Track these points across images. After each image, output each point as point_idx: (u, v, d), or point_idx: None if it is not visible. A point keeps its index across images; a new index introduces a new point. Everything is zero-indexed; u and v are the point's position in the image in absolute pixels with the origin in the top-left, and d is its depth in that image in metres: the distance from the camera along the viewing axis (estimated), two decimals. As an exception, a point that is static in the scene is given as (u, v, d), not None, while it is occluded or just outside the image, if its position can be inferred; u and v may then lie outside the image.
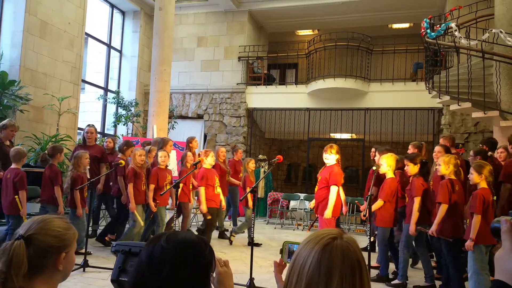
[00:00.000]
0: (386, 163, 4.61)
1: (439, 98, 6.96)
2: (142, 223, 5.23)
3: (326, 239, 0.95)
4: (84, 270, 4.43)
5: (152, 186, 5.40)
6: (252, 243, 4.36)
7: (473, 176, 3.66)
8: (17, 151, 4.83)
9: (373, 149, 5.71)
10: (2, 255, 1.22)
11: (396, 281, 4.37)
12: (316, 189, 4.83)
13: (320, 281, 0.91)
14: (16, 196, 4.68)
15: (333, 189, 4.53)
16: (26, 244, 1.24)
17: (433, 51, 7.39)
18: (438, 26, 6.45)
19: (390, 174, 4.63)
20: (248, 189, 5.44)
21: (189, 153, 6.05)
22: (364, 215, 3.85)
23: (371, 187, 4.25)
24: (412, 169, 4.37)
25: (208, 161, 5.70)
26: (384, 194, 4.54)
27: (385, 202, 4.53)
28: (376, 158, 5.23)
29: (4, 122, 5.42)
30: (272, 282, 3.98)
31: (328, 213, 4.50)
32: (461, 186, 4.06)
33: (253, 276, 4.08)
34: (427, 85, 7.32)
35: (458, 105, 6.41)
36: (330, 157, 4.67)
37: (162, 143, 5.92)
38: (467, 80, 6.20)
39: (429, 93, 7.37)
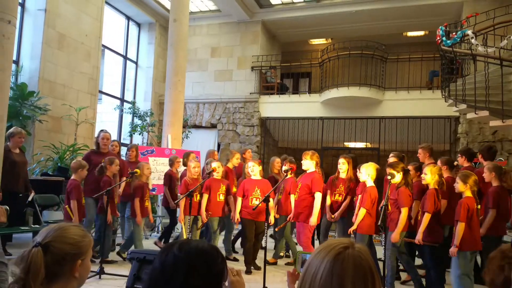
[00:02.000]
0: (365, 172, 4.64)
1: (456, 107, 6.86)
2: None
3: (338, 249, 0.95)
4: (100, 277, 4.47)
5: (205, 196, 5.44)
6: (265, 251, 4.34)
7: (459, 185, 3.82)
8: (74, 163, 5.11)
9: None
10: (21, 262, 1.24)
11: None
12: (296, 196, 4.92)
13: None
14: (66, 206, 4.95)
15: (318, 196, 4.68)
16: (43, 251, 1.26)
17: (449, 59, 7.31)
18: (454, 33, 6.40)
19: (370, 183, 4.64)
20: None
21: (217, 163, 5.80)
22: (379, 225, 3.80)
23: (385, 197, 4.18)
24: (397, 177, 4.37)
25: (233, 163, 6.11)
26: (365, 203, 4.54)
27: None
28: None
29: (11, 130, 5.45)
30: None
31: (313, 220, 4.63)
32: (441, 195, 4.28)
33: (266, 286, 4.05)
34: (443, 93, 7.24)
35: (475, 113, 6.31)
36: (306, 163, 4.84)
37: (211, 154, 6.46)
38: (485, 88, 6.10)
39: (446, 102, 7.28)
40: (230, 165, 6.23)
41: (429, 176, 4.16)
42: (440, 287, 4.16)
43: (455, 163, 5.15)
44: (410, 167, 4.76)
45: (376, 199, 4.63)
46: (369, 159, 12.32)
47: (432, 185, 4.15)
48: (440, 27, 6.57)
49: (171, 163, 6.53)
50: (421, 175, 4.36)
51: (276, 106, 11.06)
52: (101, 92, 10.40)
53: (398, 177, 4.33)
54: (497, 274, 0.97)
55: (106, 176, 5.21)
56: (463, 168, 4.83)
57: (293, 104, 10.90)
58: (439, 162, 4.75)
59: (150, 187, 5.64)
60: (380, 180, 4.98)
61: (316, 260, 0.95)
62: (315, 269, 0.94)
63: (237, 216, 5.29)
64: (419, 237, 4.04)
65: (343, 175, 5.32)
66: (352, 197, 5.21)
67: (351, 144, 11.76)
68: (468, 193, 3.77)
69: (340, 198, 5.25)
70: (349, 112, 10.43)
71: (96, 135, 8.71)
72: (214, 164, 5.54)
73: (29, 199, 5.62)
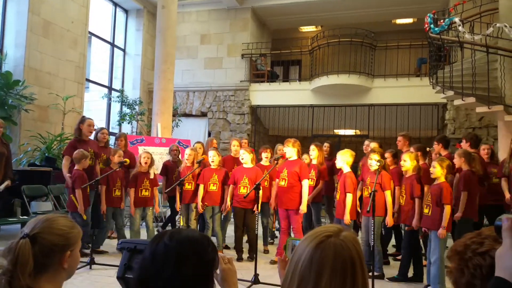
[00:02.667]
0: (341, 159, 4.81)
1: (443, 93, 6.92)
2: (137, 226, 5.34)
3: (320, 237, 0.95)
4: (90, 268, 4.47)
5: (201, 187, 5.43)
6: (256, 240, 4.38)
7: (436, 170, 3.98)
8: (77, 153, 5.05)
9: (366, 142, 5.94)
10: (8, 253, 1.23)
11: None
12: (280, 183, 4.98)
13: (310, 279, 0.90)
14: (71, 195, 4.98)
15: (306, 183, 4.83)
16: (31, 242, 1.25)
17: (437, 46, 7.35)
18: (441, 21, 6.42)
19: (346, 169, 4.83)
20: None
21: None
22: (368, 211, 3.85)
23: (374, 183, 4.23)
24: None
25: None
26: (350, 188, 4.68)
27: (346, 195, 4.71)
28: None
29: None
30: (276, 278, 4.00)
31: (304, 207, 4.73)
32: None
33: (257, 272, 4.10)
34: (431, 80, 7.29)
35: (462, 100, 6.38)
36: (288, 150, 4.96)
37: (210, 143, 6.41)
38: (471, 75, 6.16)
39: (433, 89, 7.33)
40: (233, 154, 6.20)
41: (409, 163, 4.39)
42: (416, 271, 4.43)
43: (428, 149, 5.31)
44: (387, 155, 4.90)
45: (356, 184, 4.81)
46: (358, 146, 12.42)
47: (411, 171, 4.39)
48: (428, 15, 6.58)
49: (168, 152, 6.53)
50: (400, 162, 4.57)
51: (267, 94, 11.04)
52: (88, 80, 10.26)
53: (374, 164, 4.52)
54: (459, 277, 0.97)
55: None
56: (446, 155, 4.92)
57: (283, 92, 10.89)
58: (412, 149, 4.87)
59: (152, 176, 5.57)
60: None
61: (300, 247, 0.96)
62: (298, 257, 0.95)
63: (228, 204, 5.34)
64: (415, 223, 4.26)
65: (314, 161, 5.60)
66: (325, 181, 5.60)
67: (341, 132, 11.82)
68: (443, 178, 3.96)
69: (311, 183, 5.41)
70: (338, 99, 10.46)
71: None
72: (210, 153, 5.54)
73: (0, 187, 5.31)
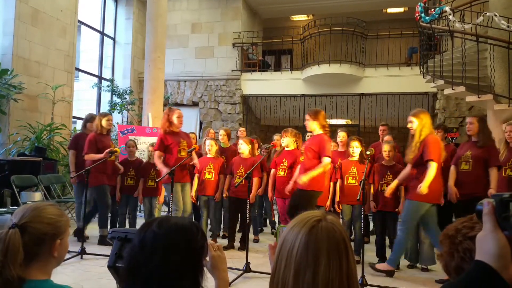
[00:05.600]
0: (287, 141, 5.04)
1: (434, 83, 6.96)
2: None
3: (311, 222, 0.96)
4: (81, 258, 4.48)
5: (196, 176, 5.50)
6: (248, 230, 4.41)
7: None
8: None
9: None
10: None
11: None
12: (279, 173, 5.04)
13: (308, 265, 0.92)
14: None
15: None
16: (21, 232, 1.25)
17: (427, 36, 7.37)
18: (432, 10, 6.43)
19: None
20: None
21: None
22: (358, 199, 3.89)
23: (365, 172, 4.27)
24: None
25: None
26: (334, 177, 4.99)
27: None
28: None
29: None
30: (267, 266, 4.05)
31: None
32: None
33: (249, 261, 4.14)
34: (422, 69, 7.32)
35: (452, 89, 6.43)
36: (286, 140, 5.06)
37: (208, 133, 6.41)
38: (461, 64, 6.20)
39: (424, 78, 7.37)
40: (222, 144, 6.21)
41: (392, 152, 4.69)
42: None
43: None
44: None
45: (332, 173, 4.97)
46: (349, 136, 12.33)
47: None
48: (419, 4, 6.59)
49: None
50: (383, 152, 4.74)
51: (258, 84, 11.01)
52: (78, 69, 10.13)
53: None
54: (449, 261, 0.99)
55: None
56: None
57: (275, 82, 10.87)
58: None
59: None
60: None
61: (291, 235, 0.97)
62: (291, 244, 0.96)
63: (225, 193, 5.41)
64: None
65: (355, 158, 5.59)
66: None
67: (332, 121, 11.84)
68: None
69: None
70: (330, 89, 10.47)
71: (73, 114, 8.43)
72: (207, 142, 5.54)
73: None
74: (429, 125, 4.14)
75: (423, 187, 3.86)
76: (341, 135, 5.43)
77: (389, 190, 4.31)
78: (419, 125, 4.08)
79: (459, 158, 4.47)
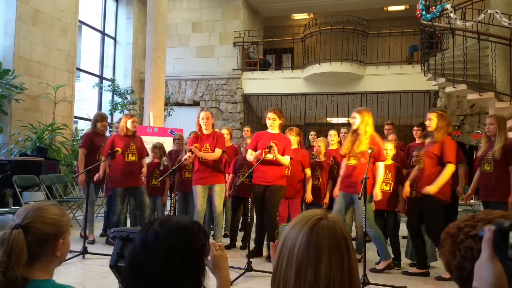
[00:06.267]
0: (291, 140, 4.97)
1: (435, 81, 6.95)
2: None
3: (312, 221, 0.96)
4: (83, 257, 4.48)
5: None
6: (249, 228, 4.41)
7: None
8: None
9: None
10: (2, 245, 1.23)
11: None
12: (288, 172, 4.89)
13: (309, 263, 0.92)
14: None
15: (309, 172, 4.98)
16: (24, 232, 1.25)
17: (428, 33, 7.35)
18: (433, 7, 6.41)
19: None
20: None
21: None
22: (359, 198, 3.87)
23: (366, 169, 4.26)
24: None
25: None
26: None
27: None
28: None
29: None
30: (269, 265, 4.04)
31: (309, 196, 4.90)
32: None
33: (250, 260, 4.13)
34: (423, 67, 7.31)
35: (454, 87, 6.40)
36: (291, 139, 4.93)
37: None
38: (463, 62, 6.18)
39: (425, 76, 7.36)
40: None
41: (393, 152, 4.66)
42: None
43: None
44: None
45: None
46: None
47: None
48: (420, 1, 6.57)
49: (173, 141, 6.50)
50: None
51: (259, 83, 11.00)
52: (79, 69, 10.15)
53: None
54: (450, 259, 0.99)
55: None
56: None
57: (276, 80, 10.87)
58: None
59: (161, 167, 5.65)
60: None
61: (292, 233, 0.97)
62: (292, 243, 0.96)
63: (228, 192, 5.38)
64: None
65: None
66: None
67: (334, 120, 11.85)
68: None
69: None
70: (331, 87, 10.46)
71: (75, 114, 8.41)
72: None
73: None
74: (372, 122, 4.29)
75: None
76: (332, 134, 5.41)
77: (404, 193, 4.32)
78: (362, 122, 4.22)
79: (482, 159, 4.38)
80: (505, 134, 4.24)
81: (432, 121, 4.11)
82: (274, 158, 4.48)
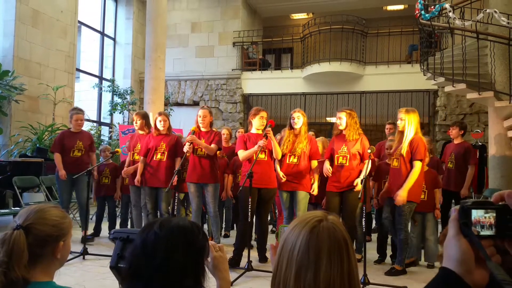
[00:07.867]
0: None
1: (434, 80, 6.95)
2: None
3: (312, 222, 0.97)
4: (83, 258, 4.49)
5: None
6: (251, 229, 4.42)
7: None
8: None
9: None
10: (3, 245, 1.23)
11: None
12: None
13: (309, 264, 0.93)
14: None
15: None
16: (25, 233, 1.26)
17: (427, 33, 7.36)
18: (432, 7, 6.41)
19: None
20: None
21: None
22: (359, 198, 3.89)
23: (365, 170, 4.27)
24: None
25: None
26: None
27: None
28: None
29: None
30: (269, 265, 4.06)
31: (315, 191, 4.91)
32: None
33: (251, 259, 4.15)
34: (422, 67, 7.31)
35: (453, 86, 6.41)
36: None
37: None
38: (462, 61, 6.18)
39: (424, 75, 7.36)
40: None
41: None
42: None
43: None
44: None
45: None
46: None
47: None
48: (418, 1, 6.57)
49: None
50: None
51: (259, 82, 11.01)
52: (78, 70, 10.15)
53: None
54: None
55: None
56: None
57: (275, 80, 10.87)
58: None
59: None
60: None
61: (292, 235, 0.97)
62: (292, 245, 0.96)
63: (230, 193, 5.38)
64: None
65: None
66: None
67: (333, 119, 11.84)
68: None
69: None
70: (330, 87, 10.47)
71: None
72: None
73: None
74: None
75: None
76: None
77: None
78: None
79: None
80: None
81: (342, 119, 4.44)
82: (266, 145, 4.40)
